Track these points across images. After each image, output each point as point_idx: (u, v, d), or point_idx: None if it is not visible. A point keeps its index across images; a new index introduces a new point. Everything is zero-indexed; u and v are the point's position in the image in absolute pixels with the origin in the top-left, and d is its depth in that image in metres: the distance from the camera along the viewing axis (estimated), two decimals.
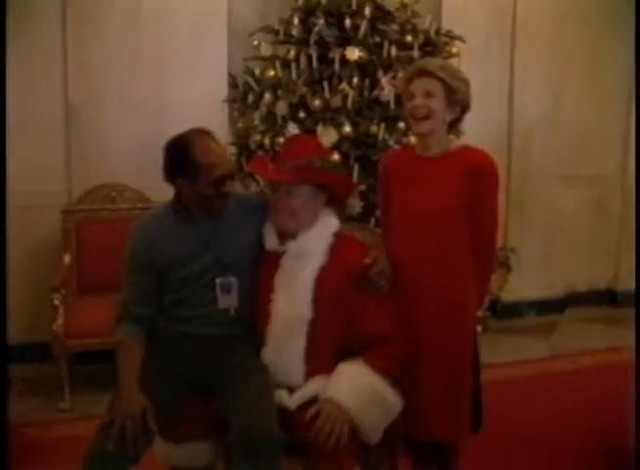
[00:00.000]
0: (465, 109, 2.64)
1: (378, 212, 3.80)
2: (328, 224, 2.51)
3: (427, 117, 2.56)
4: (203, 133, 2.46)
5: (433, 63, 2.67)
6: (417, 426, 2.58)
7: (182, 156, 2.40)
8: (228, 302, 2.48)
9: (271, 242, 2.51)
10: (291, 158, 2.48)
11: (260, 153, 4.06)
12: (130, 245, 2.53)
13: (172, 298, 2.51)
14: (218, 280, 2.46)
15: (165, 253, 2.47)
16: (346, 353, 2.42)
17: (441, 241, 2.56)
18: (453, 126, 2.69)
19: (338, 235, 2.52)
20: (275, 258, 2.49)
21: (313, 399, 2.32)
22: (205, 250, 2.48)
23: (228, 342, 2.51)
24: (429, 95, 2.55)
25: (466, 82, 2.60)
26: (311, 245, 2.45)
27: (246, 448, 2.21)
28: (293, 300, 2.42)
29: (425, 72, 2.57)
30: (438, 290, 2.56)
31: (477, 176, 2.54)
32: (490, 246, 2.69)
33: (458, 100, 2.58)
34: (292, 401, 2.35)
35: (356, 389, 2.31)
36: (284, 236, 2.49)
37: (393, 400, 2.38)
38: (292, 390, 2.39)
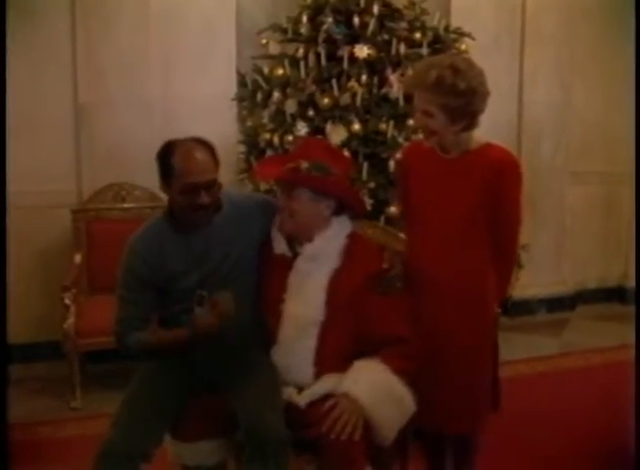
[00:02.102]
0: (475, 114, 2.47)
1: (389, 210, 3.82)
2: (342, 227, 2.51)
3: (431, 134, 2.48)
4: (193, 141, 2.40)
5: (427, 78, 2.40)
6: (437, 419, 2.60)
7: (162, 157, 2.38)
8: (200, 314, 2.38)
9: (280, 246, 2.52)
10: (291, 159, 2.49)
11: (269, 151, 4.07)
12: (126, 261, 2.47)
13: (176, 308, 2.48)
14: (197, 292, 2.37)
15: (163, 267, 2.44)
16: (357, 355, 2.42)
17: (462, 241, 2.53)
18: (469, 127, 2.50)
19: (352, 237, 2.52)
20: (286, 260, 2.50)
21: (323, 398, 2.32)
22: (199, 263, 2.45)
23: (236, 342, 2.49)
24: (427, 115, 2.44)
25: (469, 91, 2.38)
26: (326, 247, 2.46)
27: (253, 447, 2.21)
28: (305, 301, 2.42)
29: (420, 88, 2.44)
30: (458, 288, 2.55)
31: (499, 176, 2.48)
32: (512, 246, 2.65)
33: (460, 115, 2.42)
34: (301, 399, 2.36)
35: (374, 387, 2.32)
36: (293, 239, 2.50)
37: (408, 401, 2.38)
38: (301, 389, 2.39)
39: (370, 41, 4.00)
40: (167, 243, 2.46)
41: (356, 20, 4.01)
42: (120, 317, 2.49)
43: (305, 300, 2.43)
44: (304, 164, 2.42)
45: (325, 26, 4.02)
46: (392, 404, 2.34)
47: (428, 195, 2.59)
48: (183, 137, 2.43)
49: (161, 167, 2.40)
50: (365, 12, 4.05)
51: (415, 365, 2.41)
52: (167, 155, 2.37)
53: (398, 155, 3.83)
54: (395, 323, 2.44)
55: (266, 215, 2.55)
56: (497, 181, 2.48)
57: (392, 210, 3.82)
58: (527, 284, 5.29)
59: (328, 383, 2.37)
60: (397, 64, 4.03)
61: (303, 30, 4.15)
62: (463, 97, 2.39)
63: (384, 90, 4.00)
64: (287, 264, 2.48)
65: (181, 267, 2.45)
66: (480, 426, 2.73)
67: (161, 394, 2.40)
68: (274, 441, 2.20)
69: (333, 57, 4.06)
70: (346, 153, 3.77)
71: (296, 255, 2.49)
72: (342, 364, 2.39)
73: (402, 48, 4.03)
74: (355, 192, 2.95)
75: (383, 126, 3.92)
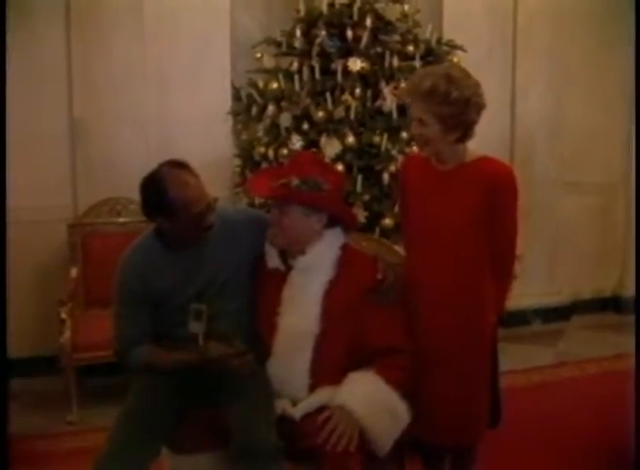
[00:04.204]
0: (469, 125, 2.48)
1: (383, 222, 3.84)
2: (334, 239, 2.53)
3: (426, 143, 2.50)
4: (177, 167, 2.41)
5: (421, 86, 2.43)
6: (434, 431, 2.61)
7: (158, 195, 2.36)
8: (197, 328, 2.43)
9: (273, 260, 2.53)
10: (284, 174, 2.51)
11: (265, 165, 4.08)
12: (120, 278, 2.49)
13: (171, 321, 2.49)
14: (192, 306, 2.41)
15: (158, 283, 2.46)
16: (352, 367, 2.43)
17: (459, 252, 2.54)
18: (464, 138, 2.52)
19: (345, 248, 2.54)
20: (280, 273, 2.51)
21: (318, 410, 2.33)
22: (192, 279, 2.47)
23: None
24: (422, 123, 2.46)
25: (461, 100, 2.40)
26: (319, 260, 2.47)
27: (244, 458, 2.22)
28: (300, 314, 2.44)
29: (415, 96, 2.46)
30: (455, 300, 2.56)
31: (495, 188, 2.48)
32: (510, 257, 2.66)
33: (454, 124, 2.43)
34: (296, 411, 2.37)
35: (369, 399, 2.33)
36: (287, 253, 2.52)
37: (403, 412, 2.40)
38: (295, 402, 2.40)
39: (363, 54, 4.02)
40: (159, 260, 2.48)
41: (349, 33, 4.04)
42: (119, 335, 2.51)
43: (300, 312, 2.44)
44: (295, 181, 2.44)
45: (319, 40, 4.05)
46: (387, 416, 2.35)
47: (424, 207, 2.60)
48: (158, 166, 2.42)
49: (157, 203, 2.38)
50: (358, 25, 4.07)
51: (409, 376, 2.42)
52: (161, 190, 2.35)
53: (393, 167, 3.86)
54: (390, 334, 2.46)
55: (258, 230, 2.56)
56: (493, 193, 2.48)
57: (387, 222, 3.84)
58: (522, 294, 5.29)
59: (322, 395, 2.38)
60: (391, 76, 4.05)
61: (297, 44, 4.17)
62: (455, 106, 2.40)
63: (377, 103, 4.02)
64: (281, 278, 2.50)
65: (174, 284, 2.46)
66: (478, 439, 2.73)
67: (157, 408, 2.40)
68: (265, 452, 2.21)
69: (327, 70, 4.08)
70: (341, 166, 3.80)
71: (289, 268, 2.50)
72: (337, 376, 2.40)
73: (395, 61, 4.06)
74: (346, 207, 2.97)
75: (377, 139, 3.94)
